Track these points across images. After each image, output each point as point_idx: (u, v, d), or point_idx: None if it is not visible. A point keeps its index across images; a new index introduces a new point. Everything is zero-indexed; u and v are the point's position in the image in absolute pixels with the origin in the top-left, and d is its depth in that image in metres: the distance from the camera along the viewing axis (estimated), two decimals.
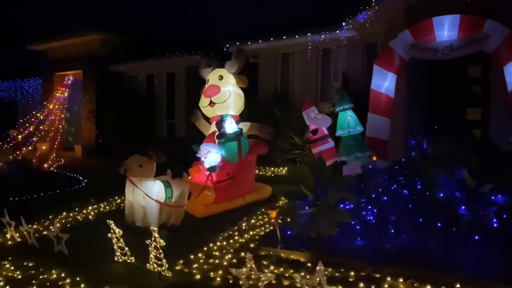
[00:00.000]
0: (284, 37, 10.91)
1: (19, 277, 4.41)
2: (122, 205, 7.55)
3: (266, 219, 5.94)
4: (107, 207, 7.36)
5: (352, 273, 4.04)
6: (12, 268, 4.64)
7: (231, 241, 5.18)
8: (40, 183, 9.76)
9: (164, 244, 4.16)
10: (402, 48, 7.92)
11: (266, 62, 11.85)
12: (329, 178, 4.59)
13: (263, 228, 5.55)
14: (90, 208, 7.21)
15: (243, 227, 5.66)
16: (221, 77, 7.96)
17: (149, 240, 4.27)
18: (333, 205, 4.51)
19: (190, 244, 5.11)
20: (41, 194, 8.58)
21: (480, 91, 9.62)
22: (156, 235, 4.18)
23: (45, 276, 4.39)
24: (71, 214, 6.87)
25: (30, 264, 4.76)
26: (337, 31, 10.00)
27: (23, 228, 5.51)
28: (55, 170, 11.68)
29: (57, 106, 15.38)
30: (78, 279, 4.21)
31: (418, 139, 5.79)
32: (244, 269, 3.75)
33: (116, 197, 7.91)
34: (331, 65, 11.10)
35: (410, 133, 8.94)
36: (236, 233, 5.43)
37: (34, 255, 5.05)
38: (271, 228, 5.53)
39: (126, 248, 4.60)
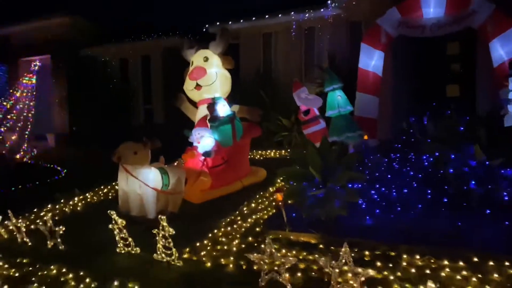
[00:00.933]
0: (267, 16, 10.67)
1: (16, 275, 4.13)
2: (109, 194, 7.26)
3: (267, 202, 5.83)
4: (94, 198, 7.05)
5: (367, 252, 4.01)
6: (6, 266, 4.35)
7: (234, 226, 5.05)
8: (15, 175, 9.28)
9: (174, 232, 3.98)
10: (390, 26, 7.90)
11: (247, 42, 11.58)
12: (336, 158, 4.51)
13: (265, 212, 5.44)
14: (76, 199, 6.88)
15: (245, 212, 5.53)
16: (206, 59, 7.70)
17: (156, 230, 4.08)
18: (343, 185, 4.44)
19: (193, 231, 4.94)
20: (19, 186, 8.14)
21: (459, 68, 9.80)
22: (165, 223, 3.99)
23: (45, 272, 4.13)
24: (57, 206, 6.53)
25: (24, 261, 4.47)
26: (322, 10, 9.87)
27: (11, 223, 5.17)
28: (28, 161, 11.12)
29: (24, 94, 14.54)
30: (82, 273, 3.99)
31: (409, 117, 5.81)
32: (263, 254, 3.63)
33: (102, 187, 7.60)
34: (315, 45, 10.96)
35: (397, 112, 9.03)
36: (239, 218, 5.30)
37: (27, 252, 4.77)
38: (274, 211, 5.44)
39: (130, 239, 4.39)
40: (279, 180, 6.85)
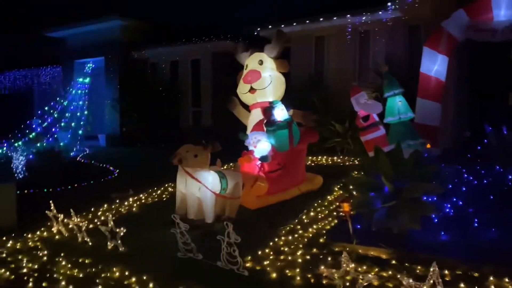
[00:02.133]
0: (321, 19, 10.43)
1: (80, 275, 4.11)
2: (163, 196, 7.26)
3: (327, 211, 5.60)
4: (149, 199, 7.06)
5: (446, 272, 3.69)
6: (69, 265, 4.34)
7: (295, 235, 4.85)
8: (71, 173, 9.49)
9: (239, 240, 3.83)
10: (456, 29, 7.47)
11: (299, 46, 11.36)
12: (410, 168, 4.22)
13: (326, 222, 5.20)
14: (131, 200, 6.91)
15: (305, 220, 5.32)
16: (261, 62, 7.60)
17: (221, 236, 3.95)
18: (417, 197, 4.14)
19: (252, 238, 4.78)
20: (75, 185, 8.30)
21: None
22: (231, 230, 3.85)
23: (108, 274, 4.09)
24: (113, 206, 6.57)
25: (86, 261, 4.47)
26: (380, 12, 9.52)
27: (72, 222, 5.22)
28: (82, 160, 11.40)
29: (78, 94, 15.04)
30: (145, 278, 3.91)
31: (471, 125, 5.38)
32: (337, 269, 3.42)
33: (155, 188, 7.62)
34: (370, 48, 10.61)
35: (458, 120, 8.55)
36: (299, 227, 5.10)
37: (87, 251, 4.77)
38: (336, 221, 5.20)
39: (193, 244, 4.28)
40: (336, 189, 6.61)
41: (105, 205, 6.58)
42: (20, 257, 4.68)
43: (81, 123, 14.43)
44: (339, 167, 8.33)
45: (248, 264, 4.13)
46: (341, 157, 9.07)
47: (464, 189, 4.60)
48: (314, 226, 5.07)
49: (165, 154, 12.68)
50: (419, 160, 4.25)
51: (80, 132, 14.28)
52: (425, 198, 4.30)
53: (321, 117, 9.00)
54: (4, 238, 5.21)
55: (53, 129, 13.91)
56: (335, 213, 5.47)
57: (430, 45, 7.79)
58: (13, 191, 5.97)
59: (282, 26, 10.70)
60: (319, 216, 5.43)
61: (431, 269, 2.94)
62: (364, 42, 10.72)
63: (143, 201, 6.94)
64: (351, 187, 6.54)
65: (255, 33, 11.74)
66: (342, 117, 9.14)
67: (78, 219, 5.19)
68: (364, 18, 9.79)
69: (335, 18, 10.26)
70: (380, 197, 4.27)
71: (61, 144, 12.48)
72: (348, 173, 7.54)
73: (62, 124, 14.05)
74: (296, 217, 5.42)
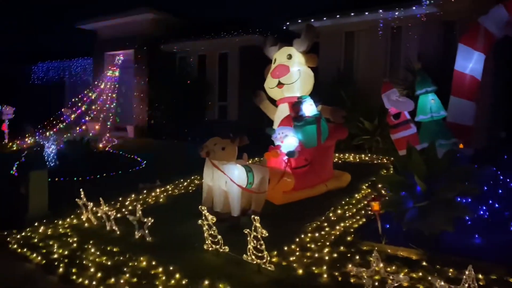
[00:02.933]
0: (352, 14, 10.23)
1: (109, 263, 4.17)
2: (190, 188, 7.30)
3: (354, 210, 5.50)
4: (175, 190, 7.12)
5: (480, 276, 3.56)
6: (98, 253, 4.42)
7: (322, 232, 4.78)
8: (100, 163, 9.68)
9: (267, 234, 3.80)
10: (494, 25, 7.17)
11: (328, 41, 11.18)
12: (445, 168, 4.08)
13: (354, 220, 5.11)
14: (158, 190, 6.98)
15: (331, 218, 5.24)
16: (289, 56, 7.52)
17: (247, 230, 3.93)
18: (450, 198, 4.00)
19: (278, 234, 4.71)
20: (104, 174, 8.46)
21: None
22: (258, 224, 3.83)
23: (135, 263, 4.14)
24: (140, 197, 6.66)
25: (114, 250, 4.53)
26: (414, 8, 9.25)
27: (101, 211, 5.32)
28: (111, 151, 11.62)
29: (108, 86, 15.32)
30: (171, 268, 3.94)
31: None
32: (366, 268, 3.35)
33: (182, 180, 7.68)
34: (402, 44, 10.35)
35: (492, 119, 8.25)
36: (325, 224, 5.03)
37: (115, 240, 4.85)
38: (364, 220, 5.11)
39: (219, 237, 4.27)
40: (364, 187, 6.49)
41: (133, 195, 6.68)
42: (51, 242, 4.80)
43: (110, 114, 14.71)
44: (367, 165, 8.18)
45: (274, 259, 4.09)
46: (369, 155, 8.90)
47: (500, 191, 4.42)
48: (342, 224, 4.99)
49: (191, 147, 12.80)
50: (454, 160, 4.11)
51: (109, 123, 14.55)
52: (458, 199, 4.16)
53: (349, 113, 8.86)
54: (36, 224, 5.35)
55: (82, 120, 14.23)
56: (363, 212, 5.37)
57: (466, 42, 7.52)
58: (45, 177, 6.12)
59: (312, 20, 10.53)
60: (347, 214, 5.35)
61: (467, 272, 2.84)
62: (395, 38, 10.45)
63: (170, 192, 7.00)
64: (379, 185, 6.44)
65: (284, 27, 11.63)
66: (371, 114, 8.96)
67: (107, 208, 5.27)
68: (397, 13, 9.53)
69: (366, 13, 10.03)
70: (412, 197, 4.15)
71: (90, 134, 12.74)
72: (376, 172, 7.39)
73: (91, 115, 14.35)
74: (322, 215, 5.35)
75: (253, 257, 3.93)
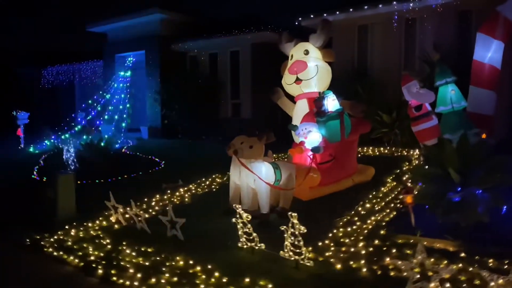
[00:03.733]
0: (366, 7, 10.17)
1: (146, 263, 4.22)
2: (213, 186, 7.34)
3: (383, 203, 5.51)
4: (198, 189, 7.16)
5: None
6: (134, 254, 4.46)
7: (354, 226, 4.80)
8: (119, 165, 9.75)
9: (305, 231, 3.82)
10: None
11: (341, 35, 11.15)
12: (479, 159, 4.07)
13: (384, 213, 5.12)
14: (181, 190, 7.03)
15: (361, 212, 5.25)
16: (306, 52, 7.53)
17: (284, 227, 3.96)
18: (487, 188, 4.00)
19: (310, 229, 4.72)
20: (125, 176, 8.52)
21: None
22: (296, 221, 3.85)
23: (172, 263, 4.18)
24: (165, 197, 6.70)
25: (149, 250, 4.58)
26: None
27: (131, 212, 5.37)
28: (127, 152, 11.68)
29: (120, 87, 15.40)
30: (209, 267, 3.97)
31: None
32: (403, 261, 3.36)
33: (203, 178, 7.72)
34: (416, 36, 10.28)
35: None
36: (356, 218, 5.04)
37: (148, 240, 4.88)
38: (394, 213, 5.11)
39: (254, 234, 4.30)
40: (389, 180, 6.49)
41: (157, 196, 6.72)
42: (85, 245, 4.85)
43: (124, 116, 14.79)
44: (388, 158, 8.17)
45: (310, 255, 4.12)
46: (387, 148, 8.88)
47: None
48: (372, 218, 4.99)
49: (207, 145, 12.85)
50: (487, 150, 4.10)
51: (123, 124, 14.62)
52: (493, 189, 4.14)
53: (366, 107, 8.85)
54: (66, 227, 5.41)
55: (97, 122, 14.32)
56: (392, 205, 5.38)
57: (485, 31, 7.46)
58: (72, 181, 6.19)
59: (325, 15, 10.51)
60: (376, 208, 5.35)
61: None
62: (409, 30, 10.37)
63: (193, 191, 7.04)
64: (404, 178, 6.44)
65: (296, 23, 11.59)
66: (388, 107, 8.93)
67: (137, 210, 5.31)
68: (411, 4, 9.45)
69: (380, 5, 9.96)
70: (447, 189, 4.15)
71: (105, 136, 12.81)
72: (398, 165, 7.39)
73: (106, 117, 14.42)
74: (351, 209, 5.37)
75: (291, 253, 3.96)
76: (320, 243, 4.38)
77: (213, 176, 7.89)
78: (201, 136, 13.41)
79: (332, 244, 4.38)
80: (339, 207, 5.47)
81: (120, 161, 10.26)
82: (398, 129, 8.88)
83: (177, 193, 6.88)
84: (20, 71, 23.13)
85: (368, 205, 5.45)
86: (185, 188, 7.15)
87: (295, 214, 3.87)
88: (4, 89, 21.62)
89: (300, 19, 11.48)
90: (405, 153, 8.45)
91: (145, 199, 6.49)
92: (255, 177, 5.23)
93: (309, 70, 7.27)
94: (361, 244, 4.28)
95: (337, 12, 10.43)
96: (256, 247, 4.31)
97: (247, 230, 4.33)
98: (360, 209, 5.34)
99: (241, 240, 4.43)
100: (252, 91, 13.56)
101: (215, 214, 5.70)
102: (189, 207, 6.30)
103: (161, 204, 6.39)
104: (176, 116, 14.12)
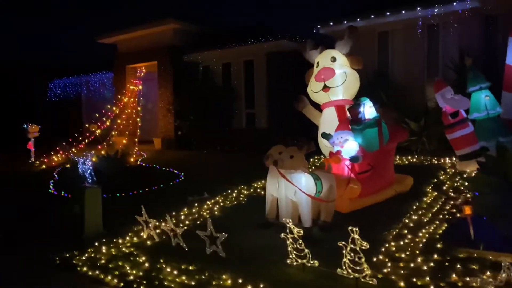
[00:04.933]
0: (388, 13, 9.99)
1: (192, 283, 3.95)
2: (241, 199, 7.08)
3: (430, 214, 5.24)
4: (226, 202, 6.89)
5: None
6: (176, 272, 4.19)
7: (406, 240, 4.53)
8: (137, 178, 9.49)
9: (368, 246, 3.56)
10: None
11: (360, 43, 10.94)
12: None
13: (435, 226, 4.85)
14: (208, 203, 6.76)
15: (409, 224, 4.98)
16: (333, 59, 7.35)
17: (343, 242, 3.69)
18: None
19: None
20: (146, 189, 8.27)
21: None
22: (357, 236, 3.58)
23: (220, 282, 3.91)
24: (193, 210, 6.44)
25: (190, 268, 4.31)
26: (455, 3, 8.99)
27: (166, 227, 5.10)
28: (143, 164, 11.43)
29: (131, 100, 15.20)
30: (262, 286, 3.70)
31: None
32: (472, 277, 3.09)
33: (229, 190, 7.46)
34: (440, 42, 10.08)
35: None
36: (405, 231, 4.77)
37: (186, 257, 4.61)
38: (446, 225, 4.84)
39: (307, 250, 4.03)
40: (428, 190, 6.23)
41: (185, 209, 6.46)
42: (120, 263, 4.59)
43: (136, 128, 14.55)
44: (419, 167, 7.92)
45: (367, 272, 3.85)
46: (415, 156, 8.63)
47: None
48: (423, 230, 4.72)
49: (222, 156, 12.56)
50: None
51: (136, 137, 14.38)
52: None
53: (397, 114, 8.63)
54: (96, 244, 5.14)
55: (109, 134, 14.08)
56: (440, 216, 5.11)
57: None
58: (99, 195, 5.94)
59: (345, 22, 10.32)
60: (424, 220, 5.08)
61: None
62: (432, 35, 10.17)
63: (221, 204, 6.77)
64: (444, 187, 6.18)
65: (314, 31, 11.41)
66: (416, 115, 8.70)
67: (171, 225, 5.04)
68: (436, 10, 9.26)
69: (403, 11, 9.78)
70: (510, 199, 3.89)
71: (119, 149, 12.56)
72: (432, 174, 7.13)
73: (117, 129, 14.19)
74: (398, 221, 5.09)
75: (350, 270, 3.69)
76: (374, 259, 4.11)
77: (239, 188, 7.63)
78: (216, 147, 13.16)
79: (387, 260, 4.10)
80: (384, 219, 5.20)
81: (137, 173, 10.01)
82: (426, 137, 8.65)
83: (205, 206, 6.62)
84: (26, 84, 22.98)
85: (414, 217, 5.18)
86: (212, 201, 6.89)
87: (356, 228, 3.61)
88: (11, 102, 21.44)
89: (318, 26, 11.29)
90: (436, 162, 8.20)
91: (173, 213, 6.22)
92: (295, 189, 4.97)
93: (337, 77, 7.08)
94: (419, 259, 4.01)
95: (358, 19, 10.24)
96: (309, 264, 4.03)
97: (298, 246, 4.06)
98: (407, 221, 5.07)
99: (290, 256, 4.16)
100: (268, 101, 13.33)
101: (251, 228, 5.43)
102: (221, 220, 6.00)
103: (190, 218, 6.12)
104: (190, 127, 13.88)
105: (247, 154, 11.60)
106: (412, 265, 3.93)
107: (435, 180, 6.65)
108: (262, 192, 7.39)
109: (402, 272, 3.82)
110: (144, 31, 15.20)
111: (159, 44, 14.97)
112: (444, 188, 6.19)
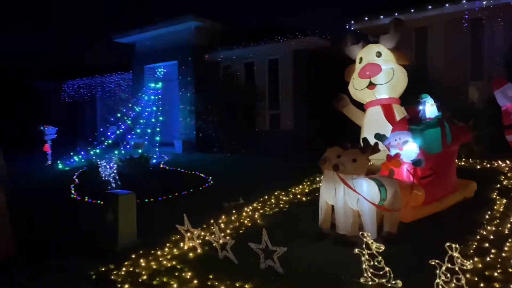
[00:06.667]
0: (430, 7, 9.40)
1: None
2: (281, 205, 6.53)
3: (509, 224, 4.66)
4: (266, 208, 6.35)
5: None
6: None
7: (491, 255, 3.95)
8: (163, 182, 8.99)
9: (471, 267, 3.01)
10: None
11: None
12: None
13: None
14: (246, 209, 6.23)
15: (489, 236, 4.40)
16: (379, 54, 6.85)
17: (436, 261, 3.14)
18: None
19: (427, 261, 3.84)
20: (175, 193, 7.76)
21: None
22: (457, 254, 3.03)
23: None
24: (232, 218, 5.91)
25: (247, 286, 3.78)
26: None
27: (212, 238, 4.58)
28: (167, 167, 10.93)
29: (151, 100, 14.74)
30: None
31: None
32: None
33: (266, 196, 6.92)
34: (485, 37, 9.46)
35: None
36: (487, 244, 4.19)
37: (238, 273, 4.08)
38: None
39: (387, 269, 3.48)
40: (494, 196, 5.64)
41: (223, 216, 5.93)
42: (165, 279, 4.08)
43: (157, 129, 14.07)
44: (473, 171, 7.33)
45: None
46: (463, 160, 8.04)
47: None
48: (508, 244, 4.15)
49: (247, 159, 11.97)
50: None
51: (158, 138, 13.90)
52: None
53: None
54: (133, 256, 4.64)
55: (129, 136, 13.63)
56: None
57: None
58: (134, 201, 5.45)
59: (381, 17, 9.77)
60: (504, 231, 4.50)
61: None
62: (477, 30, 9.57)
63: (261, 211, 6.24)
64: None
65: (347, 26, 10.85)
66: (465, 115, 8.11)
67: (222, 235, 4.53)
68: (484, 2, 8.66)
69: (447, 4, 9.18)
70: None
71: (139, 151, 12.09)
72: (490, 178, 6.55)
73: (138, 130, 13.73)
74: (471, 233, 4.52)
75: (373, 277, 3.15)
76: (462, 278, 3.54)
77: (276, 193, 7.09)
78: (240, 150, 12.63)
79: (476, 279, 3.54)
80: (454, 230, 4.64)
81: (163, 177, 9.51)
82: (475, 140, 8.05)
83: (244, 213, 6.09)
84: (39, 85, 22.70)
85: (490, 228, 4.60)
86: (250, 207, 6.36)
87: (456, 245, 3.06)
88: (24, 103, 21.14)
89: (352, 22, 10.73)
90: (488, 166, 7.60)
91: (211, 221, 5.68)
92: (358, 197, 4.43)
93: (384, 73, 6.59)
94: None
95: (396, 14, 9.68)
96: (389, 285, 3.48)
97: (376, 263, 3.52)
98: (484, 232, 4.49)
99: (365, 275, 3.61)
100: (294, 101, 12.77)
101: (303, 239, 4.89)
102: (267, 229, 5.47)
103: (231, 226, 5.60)
104: (212, 129, 13.36)
105: (273, 156, 11.10)
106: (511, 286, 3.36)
107: (498, 185, 6.08)
108: (303, 198, 6.87)
109: None
110: (164, 30, 14.70)
111: (179, 43, 14.48)
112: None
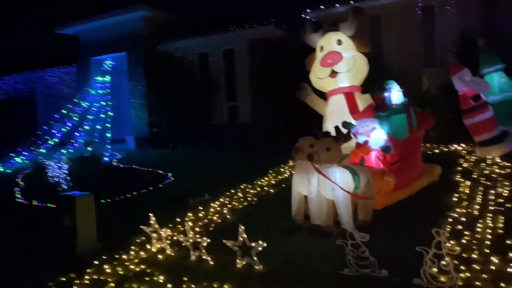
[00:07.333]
0: None
1: None
2: (249, 199, 6.32)
3: (476, 206, 4.76)
4: (234, 203, 6.12)
5: None
6: None
7: (466, 237, 3.98)
8: (119, 180, 8.51)
9: (458, 252, 2.98)
10: None
11: None
12: None
13: (489, 219, 4.34)
14: (213, 205, 5.97)
15: (460, 218, 4.46)
16: (339, 42, 6.84)
17: (422, 247, 3.09)
18: None
19: (408, 247, 3.80)
20: (134, 192, 7.34)
21: None
22: (443, 238, 2.99)
23: None
24: (200, 215, 5.63)
25: (226, 287, 3.57)
26: None
27: (184, 239, 4.31)
28: (121, 165, 10.37)
29: (99, 94, 13.92)
30: None
31: None
32: None
33: (232, 191, 6.68)
34: (436, 24, 9.73)
35: None
36: (460, 227, 4.24)
37: (213, 274, 3.86)
38: (502, 218, 4.37)
39: (372, 258, 3.39)
40: (459, 178, 5.78)
41: (189, 214, 5.63)
42: (134, 285, 3.77)
43: (108, 125, 13.32)
44: (432, 155, 7.52)
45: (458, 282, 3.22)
46: (427, 145, 8.26)
47: None
48: (480, 226, 4.22)
49: (205, 153, 11.62)
50: None
51: (109, 135, 13.17)
52: None
53: None
54: (96, 262, 4.27)
55: (77, 134, 12.80)
56: (490, 208, 4.65)
57: None
58: (93, 203, 5.04)
59: (337, 5, 9.79)
60: (474, 213, 4.59)
61: None
62: (428, 18, 9.82)
63: (229, 206, 6.01)
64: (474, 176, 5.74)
65: (303, 16, 10.76)
66: (422, 101, 8.31)
67: (194, 234, 4.27)
68: None
69: None
70: None
71: (89, 149, 11.38)
72: (450, 162, 6.70)
73: (87, 127, 12.92)
74: (443, 216, 4.56)
75: (430, 279, 3.10)
76: (443, 262, 3.53)
77: (241, 186, 6.87)
78: (197, 144, 12.25)
79: (456, 262, 3.53)
80: (426, 215, 4.68)
81: (118, 176, 9.01)
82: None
83: (211, 209, 5.83)
84: None
85: (460, 210, 4.67)
86: (217, 203, 6.10)
87: (443, 230, 3.02)
88: None
89: (308, 11, 10.67)
90: (446, 149, 7.86)
91: (177, 219, 5.38)
92: (333, 186, 4.33)
93: (346, 61, 6.59)
94: (494, 260, 3.48)
95: (351, 2, 9.72)
96: (373, 274, 3.40)
97: (361, 254, 3.42)
98: (455, 215, 4.55)
99: (349, 266, 3.51)
100: (252, 92, 12.55)
101: (278, 232, 4.74)
102: (236, 225, 5.26)
103: (200, 224, 5.33)
104: (166, 123, 12.84)
105: (233, 149, 10.87)
106: (493, 267, 3.39)
107: (460, 168, 6.25)
108: (271, 190, 6.71)
109: (484, 276, 3.26)
110: (111, 20, 13.89)
111: (128, 34, 13.75)
112: (474, 176, 5.77)
